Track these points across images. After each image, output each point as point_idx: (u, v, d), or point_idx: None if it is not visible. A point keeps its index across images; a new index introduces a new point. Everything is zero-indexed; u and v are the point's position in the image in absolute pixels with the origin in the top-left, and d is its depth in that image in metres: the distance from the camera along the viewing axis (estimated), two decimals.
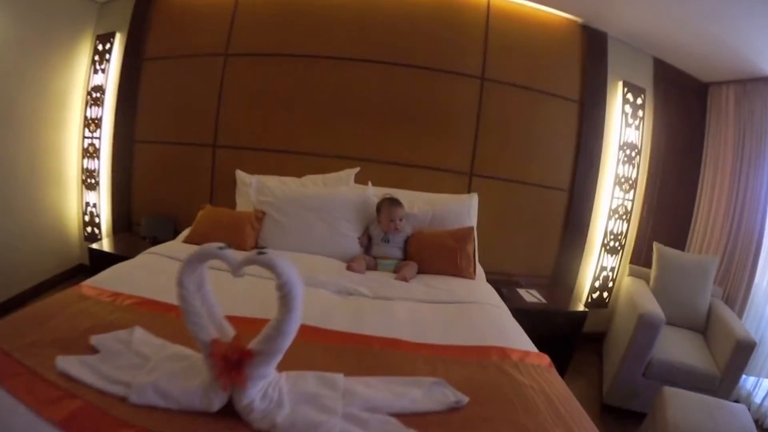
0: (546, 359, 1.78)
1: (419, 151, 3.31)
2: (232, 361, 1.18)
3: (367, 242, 2.83)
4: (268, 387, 1.23)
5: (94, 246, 3.18)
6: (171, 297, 1.54)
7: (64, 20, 3.23)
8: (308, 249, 2.72)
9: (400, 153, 3.30)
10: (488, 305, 2.29)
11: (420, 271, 2.65)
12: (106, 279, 2.05)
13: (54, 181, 3.40)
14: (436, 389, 1.41)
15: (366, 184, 3.06)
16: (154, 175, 3.51)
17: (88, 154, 3.50)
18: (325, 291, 2.22)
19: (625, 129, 3.39)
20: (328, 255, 2.71)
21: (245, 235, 2.71)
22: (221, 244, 1.31)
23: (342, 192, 2.95)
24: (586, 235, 3.46)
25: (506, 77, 3.27)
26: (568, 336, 3.02)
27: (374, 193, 2.95)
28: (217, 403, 1.18)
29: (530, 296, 3.11)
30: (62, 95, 3.32)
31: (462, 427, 1.28)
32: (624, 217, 3.48)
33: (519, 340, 1.95)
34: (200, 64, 3.36)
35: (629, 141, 3.40)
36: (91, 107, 3.45)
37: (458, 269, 2.66)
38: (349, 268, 2.54)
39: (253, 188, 2.98)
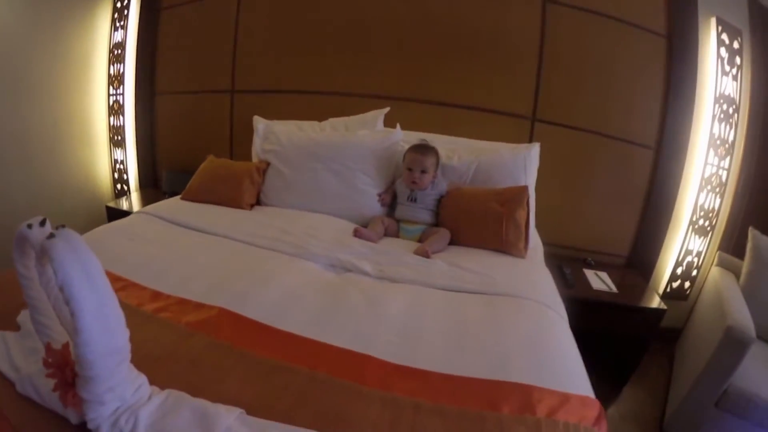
0: (593, 410, 1.03)
1: (467, 88, 2.47)
2: (67, 378, 0.75)
3: (391, 201, 2.06)
4: (122, 415, 0.75)
5: (111, 204, 2.75)
6: (151, 276, 1.34)
7: None
8: (315, 207, 2.01)
9: (443, 91, 2.49)
10: (536, 303, 1.44)
11: (453, 242, 1.85)
12: None
13: (83, 141, 3.02)
14: None
15: (405, 127, 2.27)
16: (176, 127, 3.03)
17: (114, 112, 3.08)
18: (314, 265, 1.54)
19: (722, 78, 2.38)
20: (340, 215, 1.99)
21: (242, 191, 2.06)
22: (37, 219, 0.85)
23: (360, 137, 2.14)
24: (672, 208, 2.49)
25: None
26: (639, 337, 2.20)
27: (403, 138, 2.14)
28: (73, 417, 0.78)
29: (599, 281, 2.27)
30: (86, 55, 2.92)
31: None
32: (717, 190, 2.46)
33: (564, 370, 1.17)
34: (214, 6, 2.74)
35: (726, 94, 2.40)
36: (113, 65, 3.02)
37: (503, 243, 1.79)
38: (356, 232, 1.79)
39: (260, 135, 2.28)
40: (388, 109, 2.33)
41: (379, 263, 1.55)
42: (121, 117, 3.04)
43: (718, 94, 2.38)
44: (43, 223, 0.83)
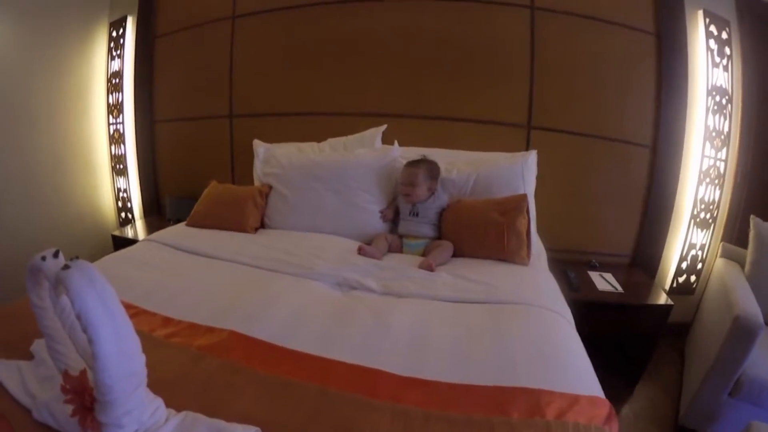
0: (603, 410, 1.04)
1: (462, 101, 2.52)
2: (86, 403, 0.78)
3: (394, 217, 2.10)
4: None
5: (116, 233, 2.82)
6: (161, 303, 1.39)
7: (77, 12, 2.89)
8: (318, 227, 2.06)
9: (439, 105, 2.54)
10: (541, 309, 1.47)
11: (457, 254, 1.89)
12: None
13: (86, 170, 3.10)
14: None
15: (404, 143, 2.32)
16: (177, 153, 3.10)
17: (115, 140, 3.16)
18: (320, 284, 1.58)
19: (713, 70, 2.42)
20: (344, 234, 2.02)
21: (246, 215, 2.11)
22: (50, 252, 0.89)
23: (358, 156, 2.20)
24: (673, 204, 2.52)
25: (562, 3, 2.38)
26: (647, 334, 2.21)
27: (402, 154, 2.19)
28: None
29: (604, 282, 2.29)
30: (84, 85, 3.01)
31: None
32: (716, 181, 2.49)
33: (572, 372, 1.19)
34: (208, 32, 2.82)
35: (718, 85, 2.43)
36: (112, 93, 3.10)
37: (506, 252, 1.83)
38: (360, 250, 1.82)
39: (260, 159, 2.35)
40: (385, 126, 2.39)
41: (383, 279, 1.59)
42: (122, 145, 3.11)
43: (710, 87, 2.42)
44: (56, 255, 0.87)
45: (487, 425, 0.93)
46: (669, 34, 2.36)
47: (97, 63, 3.03)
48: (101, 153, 3.15)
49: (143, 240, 2.03)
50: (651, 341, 2.20)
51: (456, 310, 1.42)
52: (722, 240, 2.56)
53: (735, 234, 2.56)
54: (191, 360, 1.09)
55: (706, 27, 2.39)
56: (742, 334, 1.74)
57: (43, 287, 0.92)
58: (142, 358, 0.81)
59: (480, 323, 1.34)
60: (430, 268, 1.67)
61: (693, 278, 2.64)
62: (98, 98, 3.07)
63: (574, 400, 1.03)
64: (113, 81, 3.05)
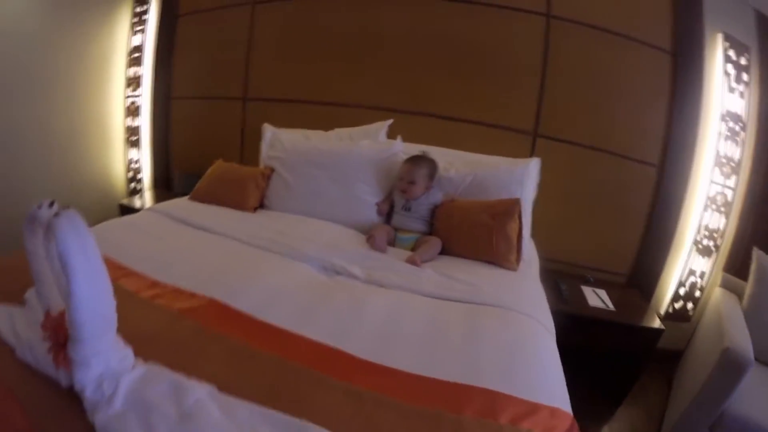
0: (564, 422, 1.03)
1: (470, 103, 2.54)
2: (60, 340, 0.88)
3: (389, 210, 2.14)
4: (105, 379, 0.85)
5: (124, 202, 2.95)
6: (152, 266, 1.46)
7: None
8: (316, 213, 2.11)
9: (447, 105, 2.57)
10: (520, 315, 1.47)
11: (447, 252, 1.92)
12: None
13: (100, 140, 3.18)
14: None
15: (409, 140, 2.35)
16: (190, 130, 3.18)
17: (131, 113, 3.24)
18: (307, 266, 1.63)
19: (728, 95, 2.40)
20: (339, 221, 2.07)
21: (247, 194, 2.18)
22: (46, 201, 0.99)
23: (361, 147, 2.24)
24: (675, 227, 2.51)
25: (579, 14, 2.39)
26: (635, 357, 2.20)
27: (404, 149, 2.23)
28: (63, 378, 0.88)
29: (596, 299, 2.29)
30: (105, 58, 3.08)
31: None
32: (722, 210, 2.46)
33: (539, 381, 1.17)
34: (229, 14, 2.89)
35: (732, 111, 2.41)
36: (131, 67, 3.19)
37: (494, 255, 1.85)
38: (369, 241, 1.87)
39: (266, 142, 2.42)
40: (391, 120, 2.43)
41: (369, 268, 1.63)
42: (137, 118, 3.19)
43: (724, 112, 2.40)
44: (51, 205, 0.95)
45: (435, 419, 0.95)
46: (686, 54, 2.35)
47: (119, 36, 3.11)
48: (116, 124, 3.23)
49: (146, 209, 2.12)
50: (638, 364, 2.18)
51: (434, 306, 1.45)
52: (724, 270, 2.51)
53: (738, 265, 2.51)
54: (169, 320, 1.16)
55: (725, 51, 2.38)
56: (729, 368, 1.69)
57: (38, 235, 0.99)
58: (113, 303, 0.87)
59: (455, 320, 1.37)
60: (414, 264, 1.71)
61: (690, 305, 2.59)
62: (118, 71, 3.14)
63: (533, 408, 1.03)
64: (133, 55, 3.13)
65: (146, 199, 3.04)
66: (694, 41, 2.35)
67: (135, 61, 3.13)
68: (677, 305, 2.60)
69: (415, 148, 2.21)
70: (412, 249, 1.91)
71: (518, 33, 2.45)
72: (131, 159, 3.30)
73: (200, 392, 0.86)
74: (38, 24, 2.54)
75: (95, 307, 0.83)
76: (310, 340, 1.16)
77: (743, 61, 2.40)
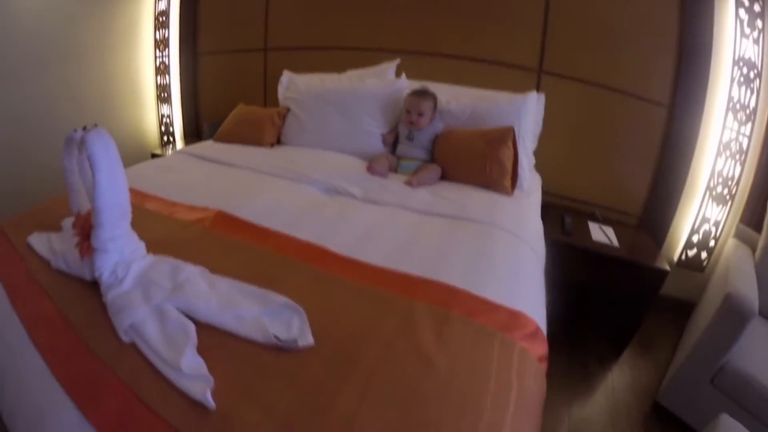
0: (525, 327, 1.07)
1: (474, 41, 2.57)
2: (86, 232, 1.08)
3: (394, 140, 2.27)
4: (119, 266, 1.06)
5: (157, 152, 3.24)
6: (172, 192, 1.62)
7: None
8: (326, 145, 2.27)
9: (451, 44, 2.62)
10: (506, 233, 1.52)
11: (446, 178, 2.03)
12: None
13: (133, 98, 3.42)
14: (281, 313, 0.97)
15: (417, 78, 2.44)
16: (216, 84, 3.39)
17: (160, 72, 3.48)
18: (311, 188, 1.80)
19: (741, 40, 2.28)
20: (347, 152, 2.22)
21: (264, 132, 2.36)
22: (82, 126, 1.12)
23: (366, 85, 2.37)
24: (687, 170, 2.44)
25: None
26: (639, 298, 2.14)
27: (407, 85, 2.33)
28: (87, 272, 1.08)
29: (601, 234, 2.27)
30: (134, 23, 3.28)
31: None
32: (738, 157, 2.40)
33: (508, 288, 1.21)
34: None
35: (746, 57, 2.29)
36: (159, 30, 3.40)
37: (488, 179, 1.93)
38: (369, 168, 2.00)
39: (283, 86, 2.57)
40: (398, 60, 2.51)
41: (367, 189, 1.77)
42: (167, 76, 3.41)
43: (737, 57, 2.27)
44: (85, 128, 1.12)
45: (388, 302, 1.06)
46: None
47: (146, 4, 3.29)
48: (148, 83, 3.47)
49: (174, 152, 2.32)
50: (642, 307, 2.13)
51: (420, 219, 1.57)
52: (740, 220, 2.38)
53: (756, 217, 2.34)
54: (180, 227, 1.37)
55: None
56: (731, 315, 1.61)
57: (73, 155, 1.19)
58: (127, 195, 1.07)
59: (436, 230, 1.48)
60: (410, 185, 1.84)
61: (704, 255, 2.50)
62: (146, 34, 3.35)
63: (493, 308, 1.08)
64: (160, 19, 3.33)
65: (177, 148, 3.25)
66: None
67: (162, 24, 3.32)
68: (690, 253, 2.53)
69: (419, 85, 2.27)
70: (413, 174, 2.02)
71: None
72: (163, 114, 3.53)
73: (192, 270, 1.06)
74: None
75: (113, 196, 1.03)
76: (298, 239, 1.34)
77: (757, 8, 2.24)
